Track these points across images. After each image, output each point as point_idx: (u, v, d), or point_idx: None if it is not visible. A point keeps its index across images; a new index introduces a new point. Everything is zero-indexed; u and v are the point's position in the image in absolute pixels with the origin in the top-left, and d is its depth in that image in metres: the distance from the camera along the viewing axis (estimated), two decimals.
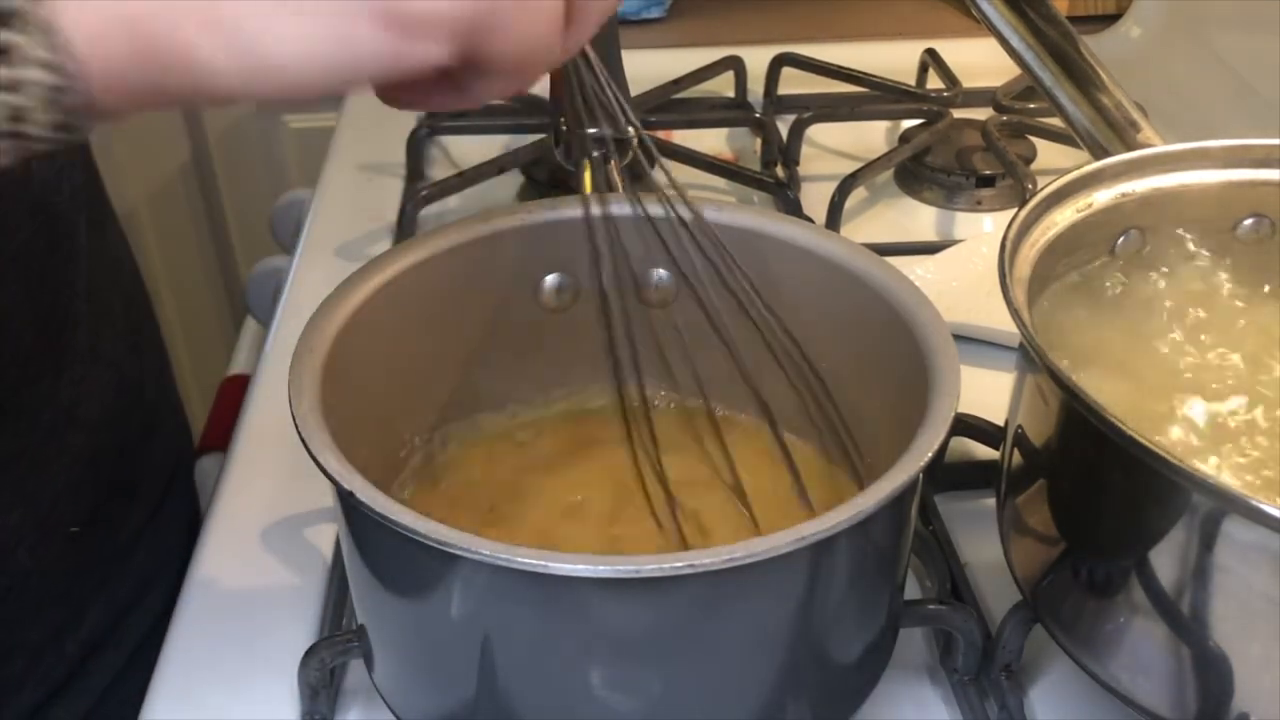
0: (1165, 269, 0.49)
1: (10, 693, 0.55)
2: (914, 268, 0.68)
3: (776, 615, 0.37)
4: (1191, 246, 0.49)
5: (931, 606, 0.47)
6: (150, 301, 0.67)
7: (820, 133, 0.87)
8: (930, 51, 0.92)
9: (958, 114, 0.85)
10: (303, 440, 0.37)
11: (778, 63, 0.91)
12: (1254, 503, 0.33)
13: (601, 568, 0.34)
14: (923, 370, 0.41)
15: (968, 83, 0.88)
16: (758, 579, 0.36)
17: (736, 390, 0.51)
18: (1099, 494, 0.40)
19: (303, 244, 0.77)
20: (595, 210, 0.49)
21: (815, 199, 0.76)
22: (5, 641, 0.54)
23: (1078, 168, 0.47)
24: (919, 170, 0.82)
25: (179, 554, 0.56)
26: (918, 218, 0.80)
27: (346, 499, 0.36)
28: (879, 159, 0.78)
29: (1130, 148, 0.50)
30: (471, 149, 0.85)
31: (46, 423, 0.54)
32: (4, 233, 0.50)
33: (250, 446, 0.60)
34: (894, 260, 0.46)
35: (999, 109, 0.85)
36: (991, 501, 0.48)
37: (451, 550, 0.34)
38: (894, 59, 0.93)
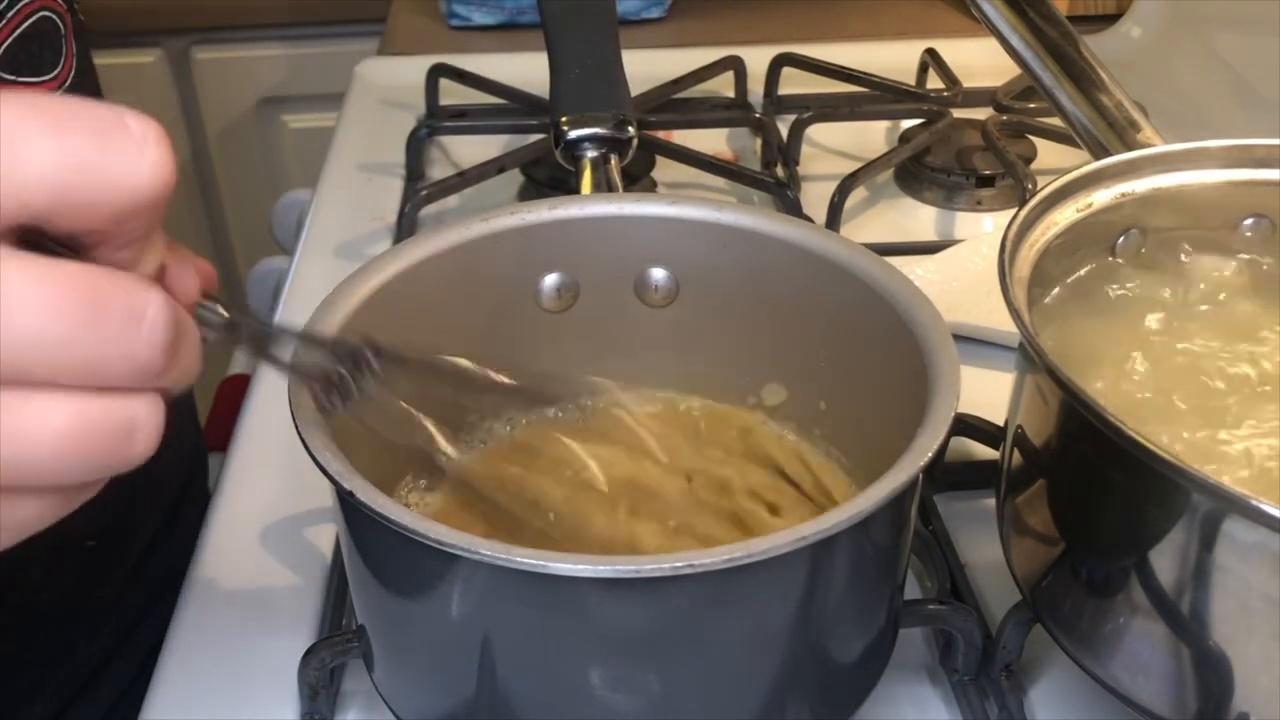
0: (1165, 269, 0.49)
1: (25, 702, 0.55)
2: (914, 268, 0.68)
3: (776, 615, 0.37)
4: (1191, 246, 0.49)
5: (931, 606, 0.47)
6: None
7: (820, 133, 0.87)
8: (930, 51, 0.92)
9: (958, 114, 0.85)
10: (303, 440, 0.37)
11: (778, 63, 0.91)
12: (1254, 503, 0.33)
13: (601, 568, 0.34)
14: (923, 370, 0.41)
15: (968, 83, 0.88)
16: (758, 579, 0.36)
17: (737, 390, 0.51)
18: (1099, 494, 0.40)
19: (303, 244, 0.77)
20: (595, 210, 0.49)
21: (815, 199, 0.76)
22: (20, 654, 0.54)
23: (1078, 168, 0.47)
24: (919, 170, 0.82)
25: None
26: (918, 218, 0.80)
27: (346, 499, 0.36)
28: (879, 159, 0.78)
29: (1130, 148, 0.50)
30: (471, 149, 0.85)
31: None
32: None
33: (250, 446, 0.60)
34: (894, 260, 0.46)
35: (999, 109, 0.85)
36: (991, 501, 0.48)
37: (451, 550, 0.34)
38: (894, 59, 0.93)
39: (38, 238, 0.26)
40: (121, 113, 0.26)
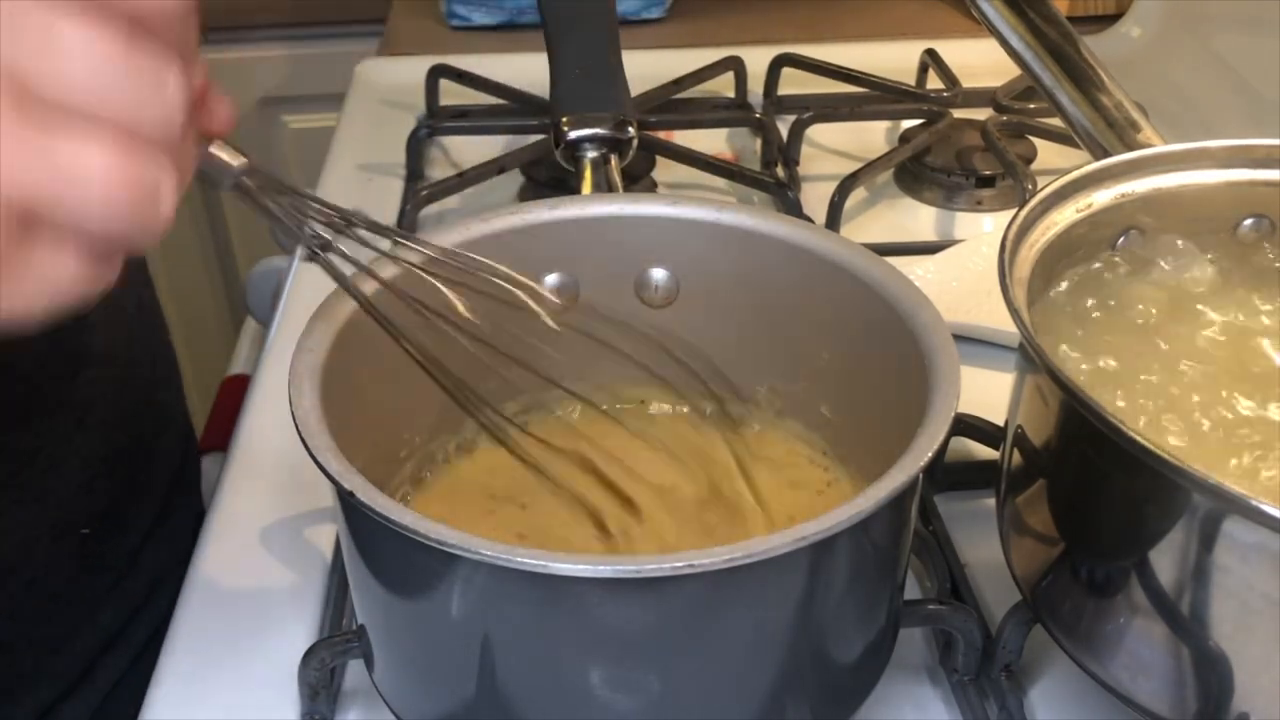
0: (1165, 269, 0.49)
1: (23, 690, 0.55)
2: (914, 268, 0.68)
3: (776, 615, 0.37)
4: (1192, 247, 0.49)
5: (931, 606, 0.47)
6: (159, 305, 0.67)
7: (820, 133, 0.87)
8: (930, 51, 0.92)
9: (958, 114, 0.85)
10: (303, 440, 0.37)
11: (778, 63, 0.91)
12: (1254, 503, 0.33)
13: (601, 568, 0.34)
14: (923, 370, 0.41)
15: (968, 83, 0.88)
16: (758, 579, 0.36)
17: (736, 391, 0.51)
18: (1099, 494, 0.40)
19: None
20: (595, 210, 0.49)
21: (815, 199, 0.76)
22: (20, 638, 0.54)
23: (1078, 168, 0.47)
24: (919, 170, 0.82)
25: (187, 555, 0.56)
26: (918, 218, 0.80)
27: (346, 499, 0.36)
28: (879, 159, 0.78)
29: (1130, 148, 0.50)
30: (471, 149, 0.85)
31: (61, 423, 0.54)
32: None
33: (250, 446, 0.60)
34: (894, 260, 0.46)
35: (999, 109, 0.85)
36: (991, 501, 0.48)
37: (451, 550, 0.34)
38: (894, 59, 0.93)
39: None
40: None
